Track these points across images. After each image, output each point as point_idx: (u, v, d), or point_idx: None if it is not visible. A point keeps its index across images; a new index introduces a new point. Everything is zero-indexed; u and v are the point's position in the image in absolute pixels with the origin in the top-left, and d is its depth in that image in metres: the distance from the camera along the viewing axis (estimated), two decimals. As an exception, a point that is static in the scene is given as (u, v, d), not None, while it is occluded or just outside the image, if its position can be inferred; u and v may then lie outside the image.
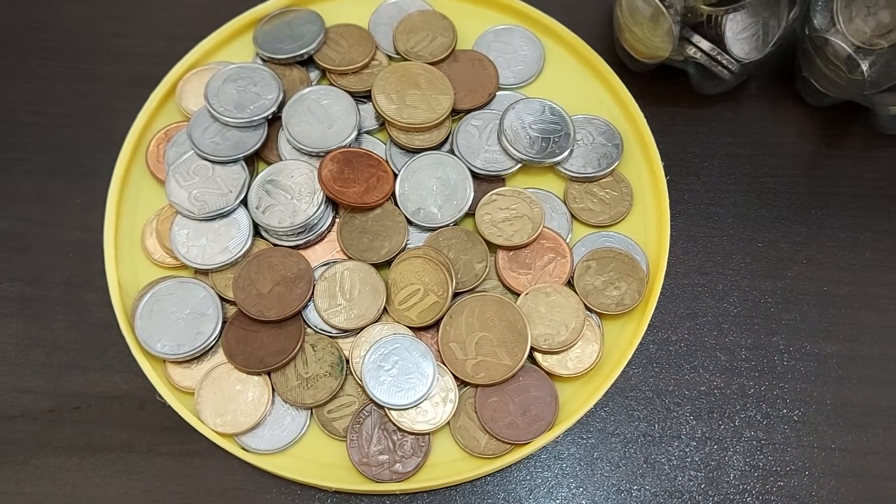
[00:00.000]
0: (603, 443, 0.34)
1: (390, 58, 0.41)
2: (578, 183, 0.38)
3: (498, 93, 0.40)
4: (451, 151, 0.38)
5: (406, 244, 0.36)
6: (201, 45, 0.40)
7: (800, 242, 0.38)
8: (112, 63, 0.42)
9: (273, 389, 0.34)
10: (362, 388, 0.34)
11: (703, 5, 0.37)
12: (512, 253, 0.36)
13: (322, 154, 0.37)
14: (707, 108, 0.41)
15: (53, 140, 0.40)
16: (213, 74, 0.38)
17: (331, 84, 0.40)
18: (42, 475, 0.34)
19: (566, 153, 0.38)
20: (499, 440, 0.33)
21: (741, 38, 0.38)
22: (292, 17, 0.40)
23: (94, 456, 0.34)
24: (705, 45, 0.38)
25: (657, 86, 0.41)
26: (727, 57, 0.38)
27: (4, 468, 0.34)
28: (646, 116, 0.39)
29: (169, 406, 0.33)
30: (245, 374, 0.34)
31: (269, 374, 0.34)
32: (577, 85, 0.41)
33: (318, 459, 0.33)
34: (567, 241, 0.37)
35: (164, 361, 0.34)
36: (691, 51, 0.38)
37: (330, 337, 0.35)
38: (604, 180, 0.38)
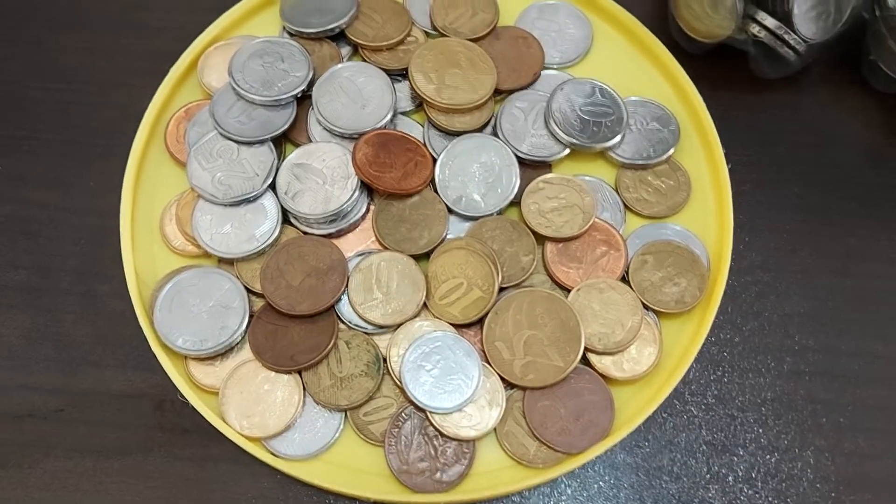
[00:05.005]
0: (661, 452, 0.32)
1: (427, 34, 0.38)
2: (631, 171, 0.35)
3: (543, 73, 0.37)
4: (495, 135, 0.36)
5: (446, 234, 0.34)
6: (224, 18, 0.37)
7: (869, 237, 0.35)
8: (128, 36, 0.39)
9: (304, 390, 0.31)
10: (401, 389, 0.31)
11: (772, -21, 0.34)
12: (561, 245, 0.34)
13: (356, 136, 0.34)
14: (767, 93, 0.38)
15: (65, 118, 0.37)
16: (238, 49, 0.36)
17: (364, 61, 0.37)
18: (52, 479, 0.31)
19: (618, 138, 0.35)
20: (550, 448, 0.31)
21: (809, 16, 0.35)
22: (322, -11, 0.38)
23: (108, 459, 0.32)
24: (771, 22, 0.35)
25: (712, 68, 0.38)
26: (794, 36, 0.35)
27: (11, 471, 0.31)
28: (702, 100, 0.36)
29: (191, 406, 0.31)
30: (274, 373, 0.31)
31: (299, 372, 0.31)
32: (628, 66, 0.38)
33: (352, 466, 0.31)
34: (620, 233, 0.34)
35: (186, 358, 0.32)
36: (755, 29, 0.35)
37: (365, 333, 0.32)
38: (658, 168, 0.36)
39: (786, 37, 0.35)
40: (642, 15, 0.38)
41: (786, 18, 0.35)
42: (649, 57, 0.38)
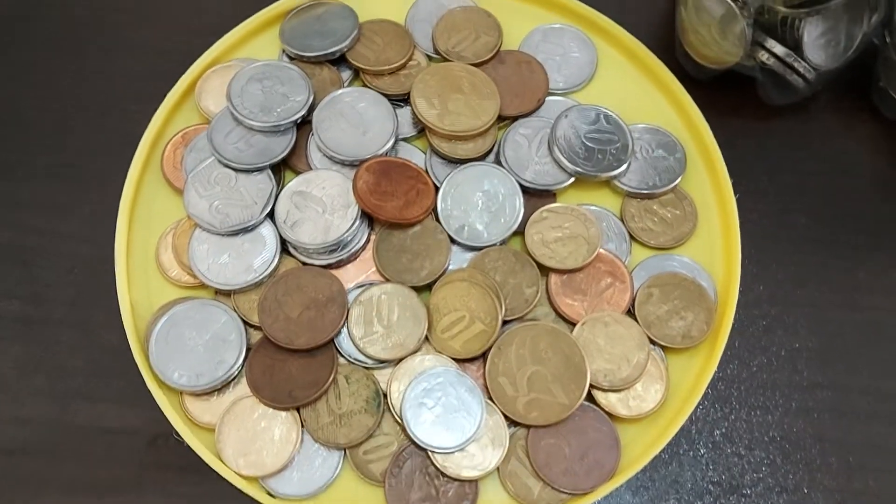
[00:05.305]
0: (667, 492, 0.31)
1: (430, 58, 0.37)
2: (637, 200, 0.35)
3: (546, 98, 0.36)
4: (498, 162, 0.35)
5: (448, 265, 0.33)
6: (223, 40, 0.36)
7: (878, 271, 0.35)
8: (125, 58, 0.38)
9: (302, 426, 0.31)
10: (402, 426, 0.30)
11: (782, 6, 0.33)
12: (565, 277, 0.33)
13: (356, 163, 0.34)
14: (774, 120, 0.37)
15: (60, 142, 0.36)
16: (237, 73, 0.35)
17: (365, 85, 0.36)
18: (43, 516, 0.31)
19: (624, 166, 0.34)
20: (554, 489, 0.30)
21: (818, 43, 0.35)
22: (323, 11, 0.37)
23: (101, 497, 0.31)
24: (780, 50, 0.34)
25: (719, 94, 0.37)
26: (804, 64, 0.34)
27: (1, 507, 0.31)
28: (708, 127, 0.36)
29: (186, 445, 0.30)
30: (271, 409, 0.31)
31: (298, 409, 0.31)
32: (633, 91, 0.37)
33: (351, 506, 0.30)
34: (626, 264, 0.33)
35: (181, 393, 0.31)
36: (764, 56, 0.35)
37: (365, 368, 0.31)
38: (664, 197, 0.35)
39: (795, 64, 0.34)
40: (648, 39, 0.37)
41: (795, 46, 0.34)
42: (655, 82, 0.37)
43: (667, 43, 0.38)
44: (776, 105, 0.37)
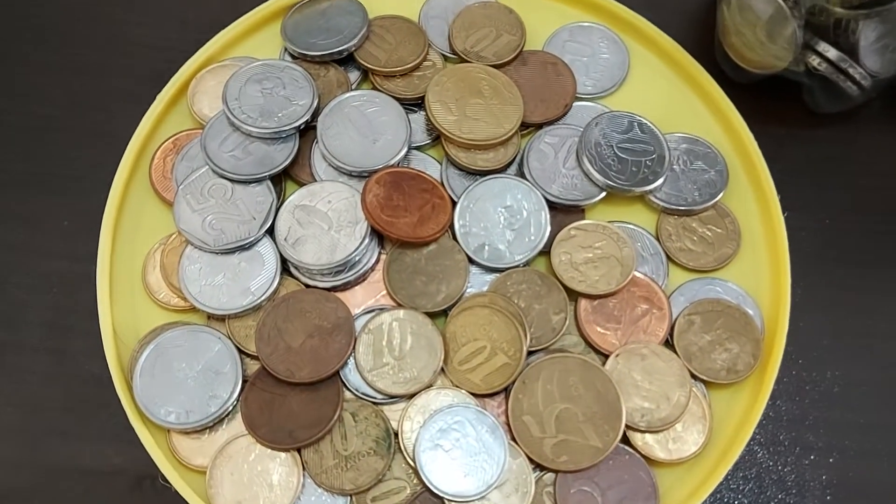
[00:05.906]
0: (711, 545, 0.28)
1: (446, 58, 0.34)
2: (674, 217, 0.32)
3: (574, 104, 0.34)
4: (521, 175, 0.32)
5: (466, 289, 0.30)
6: (219, 37, 0.34)
7: (939, 296, 0.32)
8: (112, 54, 0.35)
9: (304, 470, 0.28)
10: (415, 470, 0.28)
11: (838, 7, 0.30)
12: (596, 303, 0.30)
13: (366, 175, 0.31)
14: (822, 128, 0.35)
15: (37, 147, 0.34)
16: (234, 73, 0.33)
17: (374, 88, 0.33)
18: (13, 566, 0.28)
19: (660, 180, 0.32)
20: (585, 543, 0.27)
21: (874, 48, 0.32)
22: (328, 6, 0.35)
23: (79, 545, 0.28)
24: (833, 54, 0.31)
25: (761, 100, 0.34)
26: (859, 70, 0.31)
27: (-33, 556, 0.28)
28: (750, 137, 0.33)
29: (173, 489, 0.27)
30: (269, 450, 0.28)
31: (299, 450, 0.28)
32: (669, 97, 0.34)
33: (358, 560, 0.27)
34: (663, 288, 0.30)
35: (169, 431, 0.28)
36: (815, 61, 0.32)
37: (374, 404, 0.29)
38: (705, 214, 0.32)
39: (850, 70, 0.31)
40: (684, 40, 0.35)
41: (850, 50, 0.31)
42: (693, 87, 0.34)
43: (705, 43, 0.35)
44: (824, 113, 0.34)
